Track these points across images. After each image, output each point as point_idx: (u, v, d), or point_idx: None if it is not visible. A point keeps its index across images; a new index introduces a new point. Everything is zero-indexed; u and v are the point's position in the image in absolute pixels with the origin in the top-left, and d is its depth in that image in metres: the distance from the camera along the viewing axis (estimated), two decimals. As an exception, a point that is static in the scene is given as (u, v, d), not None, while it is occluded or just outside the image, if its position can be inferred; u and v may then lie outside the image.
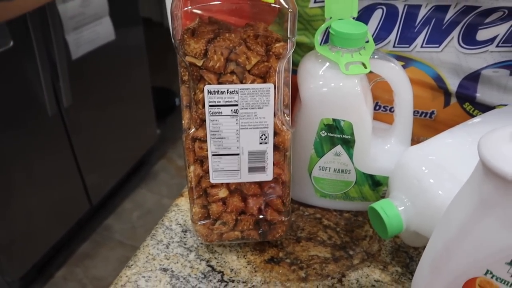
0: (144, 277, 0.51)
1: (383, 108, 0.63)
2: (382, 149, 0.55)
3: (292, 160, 0.57)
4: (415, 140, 0.61)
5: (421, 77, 0.59)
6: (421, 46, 0.57)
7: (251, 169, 0.48)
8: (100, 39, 1.42)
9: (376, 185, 0.56)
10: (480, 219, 0.35)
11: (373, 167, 0.54)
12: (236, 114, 0.45)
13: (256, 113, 0.45)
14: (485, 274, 0.36)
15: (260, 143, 0.47)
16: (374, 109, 0.63)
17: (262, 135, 0.46)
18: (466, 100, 0.60)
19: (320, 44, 0.51)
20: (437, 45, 0.56)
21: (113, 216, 1.81)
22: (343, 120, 0.50)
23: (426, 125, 0.64)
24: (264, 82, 0.44)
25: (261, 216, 0.51)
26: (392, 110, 0.64)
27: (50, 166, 1.41)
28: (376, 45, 0.58)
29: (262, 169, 0.48)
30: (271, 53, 0.43)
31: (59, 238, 1.56)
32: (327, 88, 0.49)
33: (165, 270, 0.51)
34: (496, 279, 0.35)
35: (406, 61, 0.58)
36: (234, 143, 0.47)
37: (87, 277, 1.57)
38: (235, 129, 0.46)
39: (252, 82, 0.43)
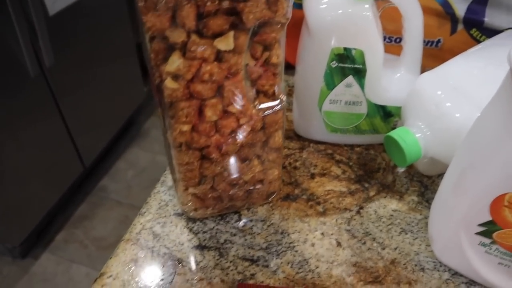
0: (159, 223, 0.50)
1: (387, 39, 0.61)
2: (392, 79, 0.54)
3: (301, 95, 0.55)
4: (422, 70, 0.60)
5: (428, 3, 0.57)
6: (429, -31, 0.54)
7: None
8: (77, -6, 1.36)
9: (388, 116, 0.55)
10: (501, 137, 0.34)
11: (385, 97, 0.53)
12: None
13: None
14: (516, 189, 0.35)
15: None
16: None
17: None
18: (474, 26, 0.59)
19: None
20: (445, -33, 0.54)
21: (108, 176, 1.80)
22: (355, 49, 0.49)
23: (432, 55, 0.62)
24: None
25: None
26: (397, 41, 0.62)
27: (39, 129, 1.38)
28: (381, -30, 0.55)
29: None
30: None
31: (55, 203, 1.54)
32: (337, 15, 0.47)
33: (179, 214, 0.51)
34: (528, 193, 0.35)
35: (412, -14, 0.56)
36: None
37: (87, 238, 1.57)
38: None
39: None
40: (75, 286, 1.43)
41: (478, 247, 0.41)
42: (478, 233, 0.40)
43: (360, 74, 0.51)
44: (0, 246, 1.47)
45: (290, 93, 0.66)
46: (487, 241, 0.40)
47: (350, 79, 0.51)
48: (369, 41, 0.48)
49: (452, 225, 0.42)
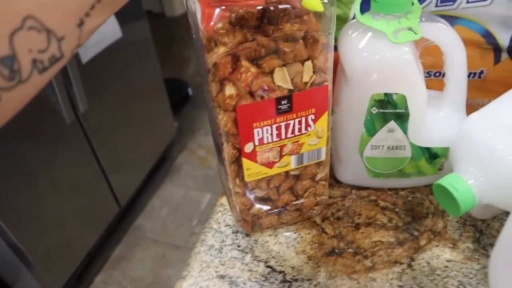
0: (201, 287, 0.48)
1: (426, 74, 0.58)
2: (436, 119, 0.51)
3: (339, 140, 0.53)
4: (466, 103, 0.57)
5: (468, 35, 0.54)
6: (467, 2, 0.52)
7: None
8: (107, 39, 1.38)
9: (434, 157, 0.52)
10: None
11: (430, 139, 0.50)
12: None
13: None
14: None
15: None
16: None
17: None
18: (519, 54, 0.55)
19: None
20: (485, -2, 0.51)
21: (143, 215, 1.80)
22: (396, 93, 0.46)
23: (476, 86, 0.59)
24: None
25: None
26: (437, 75, 0.59)
27: (75, 173, 1.39)
28: (416, 6, 0.53)
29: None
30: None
31: (94, 244, 1.55)
32: (374, 60, 0.45)
33: (222, 277, 0.48)
34: None
35: (450, 20, 0.53)
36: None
37: (126, 279, 1.56)
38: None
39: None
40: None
41: (551, 307, 0.38)
42: (550, 293, 0.37)
43: (402, 118, 0.48)
44: (42, 291, 1.48)
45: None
46: (561, 301, 0.36)
47: (392, 124, 0.49)
48: (410, 84, 0.46)
49: (518, 282, 0.38)
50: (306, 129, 0.43)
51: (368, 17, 0.46)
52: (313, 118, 0.42)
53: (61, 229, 1.37)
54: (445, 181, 0.44)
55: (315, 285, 0.46)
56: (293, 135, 0.43)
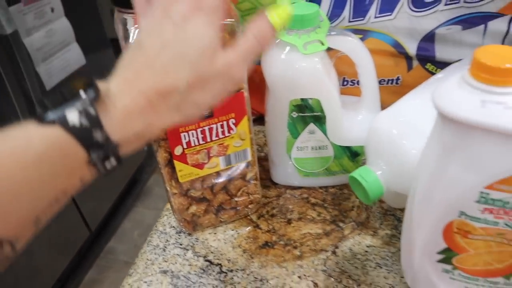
0: (145, 282, 0.52)
1: (351, 83, 0.65)
2: (355, 121, 0.57)
3: (271, 145, 0.59)
4: (386, 107, 0.63)
5: (380, 46, 0.61)
6: (375, 17, 0.59)
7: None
8: (71, 66, 1.43)
9: (355, 156, 0.58)
10: (445, 165, 0.37)
11: (348, 138, 0.56)
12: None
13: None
14: (459, 216, 0.38)
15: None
16: (343, 84, 0.65)
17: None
18: (427, 61, 0.62)
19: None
20: (390, 13, 0.58)
21: (115, 238, 1.82)
22: (311, 98, 0.52)
23: (394, 92, 0.65)
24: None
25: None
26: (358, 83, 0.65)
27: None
28: (332, 22, 0.60)
29: (241, 157, 0.50)
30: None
31: (64, 269, 1.56)
32: (290, 70, 0.51)
33: (165, 272, 0.53)
34: (470, 219, 0.37)
35: (363, 33, 0.60)
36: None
37: (99, 302, 1.58)
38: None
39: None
40: None
41: (442, 274, 0.43)
42: (439, 261, 0.42)
43: (320, 120, 0.54)
44: (13, 318, 1.48)
45: (266, 143, 0.69)
46: (449, 267, 0.42)
47: (312, 126, 0.54)
48: (323, 90, 0.52)
49: (416, 255, 0.44)
50: (229, 132, 0.49)
51: (283, 33, 0.52)
52: (234, 122, 0.48)
53: (29, 256, 1.38)
54: (356, 173, 0.50)
55: (248, 274, 0.51)
56: (217, 138, 0.48)
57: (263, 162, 0.64)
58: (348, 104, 0.57)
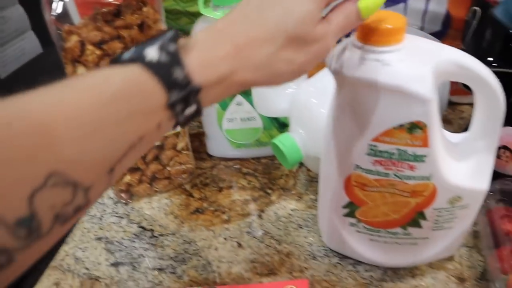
0: (80, 248, 0.54)
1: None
2: (283, 93, 0.60)
3: (205, 117, 0.61)
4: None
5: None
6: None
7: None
8: (27, 55, 1.42)
9: (283, 127, 0.61)
10: (339, 121, 0.40)
11: (273, 110, 0.59)
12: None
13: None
14: (355, 169, 0.41)
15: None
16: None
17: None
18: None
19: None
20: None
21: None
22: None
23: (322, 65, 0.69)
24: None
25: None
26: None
27: None
28: None
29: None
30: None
31: None
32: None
33: (100, 238, 0.55)
34: (365, 172, 0.41)
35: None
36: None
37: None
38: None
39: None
40: None
41: (349, 228, 0.47)
42: (345, 215, 0.46)
43: (246, 92, 0.57)
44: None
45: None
46: (353, 220, 0.46)
47: (239, 98, 0.57)
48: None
49: (327, 212, 0.47)
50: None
51: (209, 10, 0.55)
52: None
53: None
54: (277, 139, 0.53)
55: (177, 237, 0.54)
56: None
57: (202, 136, 0.67)
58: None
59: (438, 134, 0.38)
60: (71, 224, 0.24)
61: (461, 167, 0.42)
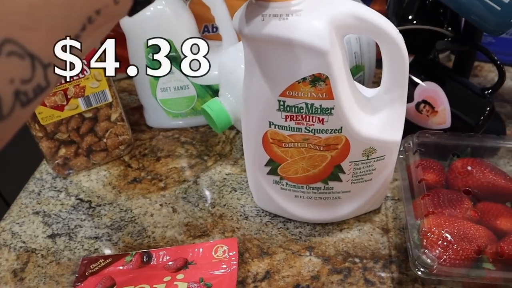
0: (17, 223, 0.55)
1: (214, 29, 0.69)
2: (214, 61, 0.61)
3: (139, 90, 0.62)
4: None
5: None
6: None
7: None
8: None
9: (217, 94, 0.62)
10: (251, 80, 0.42)
11: (205, 77, 0.60)
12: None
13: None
14: (270, 126, 0.42)
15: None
16: (208, 31, 0.69)
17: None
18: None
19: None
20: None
21: None
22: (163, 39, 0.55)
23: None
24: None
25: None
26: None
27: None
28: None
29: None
30: None
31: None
32: (140, 16, 0.54)
33: (37, 212, 0.56)
34: (279, 128, 0.42)
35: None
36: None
37: None
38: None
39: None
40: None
41: (274, 186, 0.48)
42: (268, 173, 0.47)
43: (176, 60, 0.57)
44: None
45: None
46: (277, 178, 0.47)
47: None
48: (172, 31, 0.55)
49: (252, 172, 0.49)
50: (82, 73, 0.51)
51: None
52: (85, 63, 0.50)
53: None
54: (206, 104, 0.54)
55: (114, 207, 0.55)
56: (71, 79, 0.51)
57: (142, 109, 0.67)
58: (212, 47, 0.61)
59: (344, 86, 0.40)
60: (32, 108, 0.22)
61: (374, 119, 0.44)
